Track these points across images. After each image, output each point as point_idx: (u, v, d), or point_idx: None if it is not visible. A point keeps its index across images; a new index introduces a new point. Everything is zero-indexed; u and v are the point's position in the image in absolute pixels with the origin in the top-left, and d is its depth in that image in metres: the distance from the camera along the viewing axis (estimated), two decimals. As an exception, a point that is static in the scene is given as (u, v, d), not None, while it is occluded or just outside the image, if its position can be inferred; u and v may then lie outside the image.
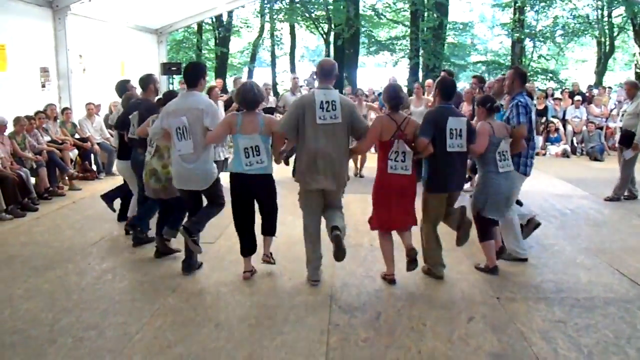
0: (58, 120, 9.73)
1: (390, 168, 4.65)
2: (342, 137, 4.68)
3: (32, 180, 7.98)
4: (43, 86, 9.76)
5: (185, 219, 5.18)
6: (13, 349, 3.69)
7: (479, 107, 5.09)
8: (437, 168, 4.78)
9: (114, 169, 10.28)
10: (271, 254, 5.11)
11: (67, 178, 8.95)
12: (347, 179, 4.88)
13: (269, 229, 5.04)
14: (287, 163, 5.47)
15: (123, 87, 6.69)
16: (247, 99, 4.71)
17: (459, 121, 4.71)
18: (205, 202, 5.11)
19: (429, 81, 12.70)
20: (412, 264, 4.68)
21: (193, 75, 4.96)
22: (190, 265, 5.14)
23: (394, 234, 4.86)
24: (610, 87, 17.27)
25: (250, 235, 4.96)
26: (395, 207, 4.71)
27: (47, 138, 9.03)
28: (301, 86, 11.00)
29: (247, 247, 4.98)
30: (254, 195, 4.86)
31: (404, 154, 4.63)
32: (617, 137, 8.51)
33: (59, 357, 3.60)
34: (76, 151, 9.72)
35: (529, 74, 23.37)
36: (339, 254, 4.57)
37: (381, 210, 4.78)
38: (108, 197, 6.87)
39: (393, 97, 4.74)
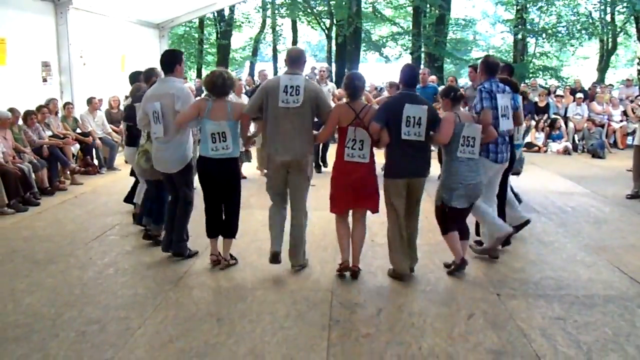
0: (59, 115, 9.74)
1: (346, 156, 4.67)
2: (305, 121, 4.78)
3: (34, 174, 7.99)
4: (44, 80, 9.75)
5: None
6: (16, 343, 3.71)
7: (443, 98, 5.00)
8: (393, 155, 4.76)
9: (116, 163, 10.34)
10: (231, 255, 5.17)
11: (68, 173, 8.96)
12: (312, 164, 4.97)
13: (229, 230, 5.09)
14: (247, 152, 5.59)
15: (135, 79, 6.72)
16: (216, 85, 4.86)
17: (417, 109, 4.62)
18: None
19: (433, 78, 12.65)
20: (352, 277, 4.85)
21: (168, 62, 5.18)
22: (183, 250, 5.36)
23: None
24: (611, 85, 17.25)
25: (216, 217, 5.08)
26: (351, 193, 4.72)
27: (49, 133, 9.03)
28: (328, 77, 10.91)
29: (211, 228, 5.11)
30: (217, 179, 4.96)
31: (361, 142, 4.64)
32: (638, 134, 8.30)
33: (62, 351, 3.62)
34: (78, 146, 9.71)
35: (530, 71, 23.42)
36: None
37: (337, 196, 4.80)
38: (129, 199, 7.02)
39: (348, 86, 4.78)
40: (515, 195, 6.29)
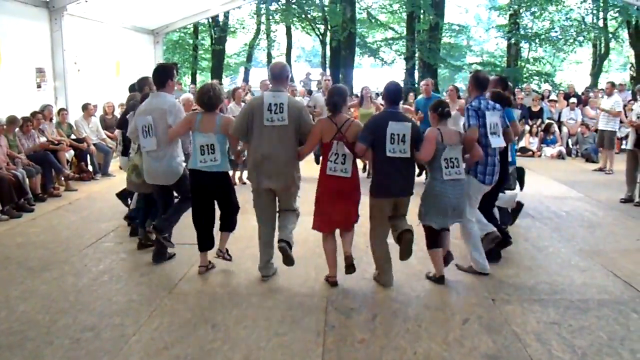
0: (54, 121, 9.71)
1: (329, 170, 4.68)
2: (290, 139, 4.78)
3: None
4: (39, 87, 9.74)
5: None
6: (10, 351, 3.69)
7: (431, 112, 4.95)
8: (379, 173, 4.74)
9: (110, 169, 10.32)
10: (227, 250, 5.26)
11: (63, 179, 8.93)
12: (298, 180, 4.94)
13: (226, 225, 5.23)
14: (243, 162, 5.57)
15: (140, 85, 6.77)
16: (204, 100, 4.96)
17: (401, 126, 4.60)
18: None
19: (430, 80, 12.77)
20: (349, 268, 4.76)
21: (161, 77, 5.27)
22: (161, 256, 5.43)
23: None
24: (602, 89, 17.32)
25: (206, 231, 5.15)
26: (335, 208, 4.72)
27: (43, 139, 8.99)
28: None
29: (201, 242, 5.17)
30: (209, 192, 5.03)
31: (344, 157, 4.65)
32: (631, 138, 8.39)
33: (56, 358, 3.61)
34: (72, 152, 9.69)
35: (524, 75, 23.54)
36: (288, 262, 4.78)
37: (321, 210, 4.80)
38: (123, 196, 7.03)
39: (329, 102, 4.80)
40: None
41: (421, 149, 4.68)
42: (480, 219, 5.23)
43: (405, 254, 4.75)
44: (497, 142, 5.07)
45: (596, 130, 13.53)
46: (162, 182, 5.28)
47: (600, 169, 11.29)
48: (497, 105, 5.18)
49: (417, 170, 4.94)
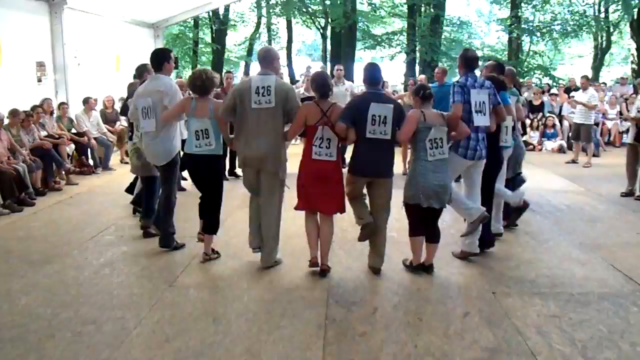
0: (54, 115, 9.70)
1: (314, 154, 4.73)
2: (277, 121, 4.84)
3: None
4: (39, 81, 9.72)
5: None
6: (12, 344, 3.70)
7: (413, 96, 4.95)
8: (358, 153, 4.79)
9: (111, 163, 10.32)
10: (213, 250, 5.32)
11: (64, 173, 8.93)
12: (284, 162, 5.01)
13: (210, 226, 5.26)
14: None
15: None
16: (196, 85, 5.06)
17: (383, 108, 4.64)
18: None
19: (422, 76, 12.87)
20: (322, 274, 4.92)
21: (158, 60, 5.45)
22: (168, 240, 5.56)
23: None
24: (604, 83, 17.27)
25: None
26: (318, 192, 4.78)
27: (44, 133, 8.99)
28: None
29: (202, 209, 5.29)
30: (201, 175, 5.15)
31: (328, 141, 4.71)
32: (631, 132, 8.40)
33: (58, 351, 3.62)
34: (73, 146, 9.68)
35: (525, 69, 23.45)
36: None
37: (304, 193, 4.86)
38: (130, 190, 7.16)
39: (320, 85, 4.84)
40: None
41: (401, 129, 4.73)
42: (465, 205, 5.13)
43: (362, 239, 4.98)
44: (481, 120, 4.98)
45: (598, 124, 13.56)
46: (155, 161, 5.45)
47: (573, 161, 11.38)
48: (487, 83, 5.10)
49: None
